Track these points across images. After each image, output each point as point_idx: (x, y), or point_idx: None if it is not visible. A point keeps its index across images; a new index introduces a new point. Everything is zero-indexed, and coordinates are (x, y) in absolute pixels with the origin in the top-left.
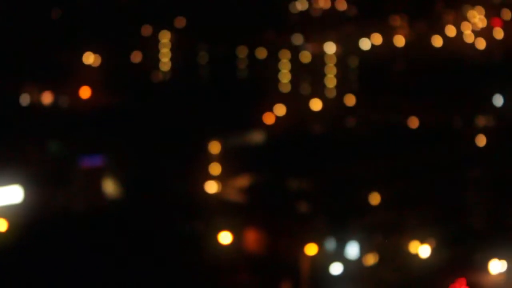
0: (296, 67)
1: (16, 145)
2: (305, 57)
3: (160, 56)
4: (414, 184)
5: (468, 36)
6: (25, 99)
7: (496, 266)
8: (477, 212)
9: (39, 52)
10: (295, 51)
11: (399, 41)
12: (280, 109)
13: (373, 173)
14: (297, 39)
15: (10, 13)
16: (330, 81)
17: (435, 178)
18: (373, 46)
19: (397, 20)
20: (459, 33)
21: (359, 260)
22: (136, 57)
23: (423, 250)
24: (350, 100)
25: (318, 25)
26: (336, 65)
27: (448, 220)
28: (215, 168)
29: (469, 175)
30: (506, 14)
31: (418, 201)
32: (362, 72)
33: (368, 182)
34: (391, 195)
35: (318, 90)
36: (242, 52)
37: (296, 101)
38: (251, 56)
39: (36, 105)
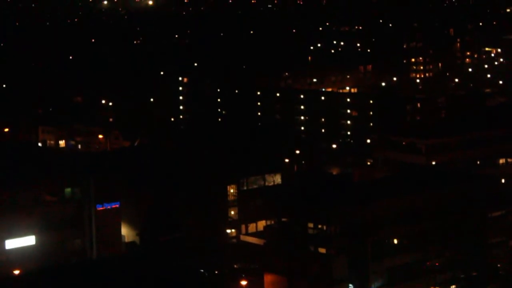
0: (314, 109)
1: (32, 189)
2: (322, 99)
3: (178, 100)
4: (436, 225)
5: (486, 75)
6: (42, 143)
7: None
8: (500, 253)
9: (56, 96)
10: (313, 93)
11: (417, 81)
12: (298, 152)
13: (392, 214)
14: (314, 81)
15: (28, 58)
16: (348, 122)
17: (457, 219)
18: (390, 86)
19: (415, 61)
20: (477, 72)
21: None
22: (154, 100)
23: None
24: (368, 140)
25: (335, 67)
26: (353, 106)
27: (471, 262)
28: (234, 212)
29: (492, 216)
30: None
31: (440, 242)
32: (380, 113)
33: (388, 223)
34: (412, 237)
35: (336, 132)
36: (259, 95)
37: (314, 143)
38: (268, 99)
39: (53, 149)
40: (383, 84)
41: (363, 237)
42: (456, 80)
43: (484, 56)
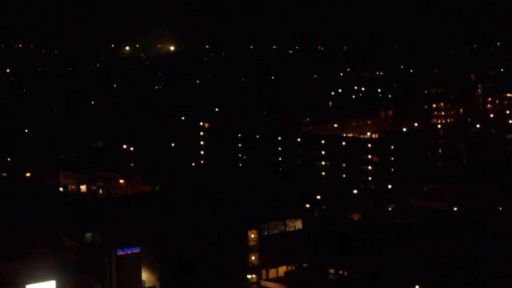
0: (335, 154)
1: (53, 234)
2: (343, 144)
3: (199, 145)
4: (458, 271)
5: (508, 121)
6: (63, 188)
7: None
8: None
9: (78, 141)
10: (334, 138)
11: (438, 126)
12: (319, 197)
13: (414, 260)
14: (335, 126)
15: (50, 104)
16: (369, 167)
17: (476, 266)
18: (411, 132)
19: (436, 106)
20: (499, 118)
21: None
22: (175, 145)
23: None
24: (389, 186)
25: (356, 112)
26: (375, 151)
27: None
28: (255, 257)
29: None
30: None
31: None
32: (401, 158)
33: (409, 269)
34: (434, 283)
35: (357, 177)
36: (280, 140)
37: (335, 189)
38: (289, 144)
39: (74, 194)
40: (404, 129)
41: (384, 283)
42: (478, 125)
43: (505, 102)
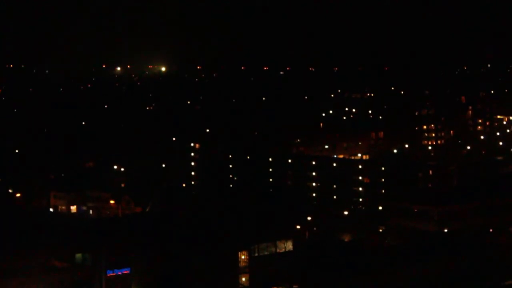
0: (326, 175)
1: (43, 255)
2: (334, 165)
3: (189, 165)
4: None
5: (499, 142)
6: (54, 209)
7: None
8: None
9: (68, 161)
10: (324, 160)
11: (429, 148)
12: (309, 218)
13: (405, 283)
14: (326, 148)
15: (40, 124)
16: (360, 188)
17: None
18: (402, 153)
19: (426, 128)
20: (489, 139)
21: None
22: (166, 166)
23: None
24: (380, 207)
25: (347, 133)
26: (365, 173)
27: None
28: (245, 279)
29: (505, 285)
30: None
31: None
32: (392, 179)
33: None
34: None
35: (348, 198)
36: (271, 161)
37: (326, 209)
38: (280, 165)
39: (64, 215)
40: (395, 151)
41: None
42: (468, 147)
43: (496, 124)
